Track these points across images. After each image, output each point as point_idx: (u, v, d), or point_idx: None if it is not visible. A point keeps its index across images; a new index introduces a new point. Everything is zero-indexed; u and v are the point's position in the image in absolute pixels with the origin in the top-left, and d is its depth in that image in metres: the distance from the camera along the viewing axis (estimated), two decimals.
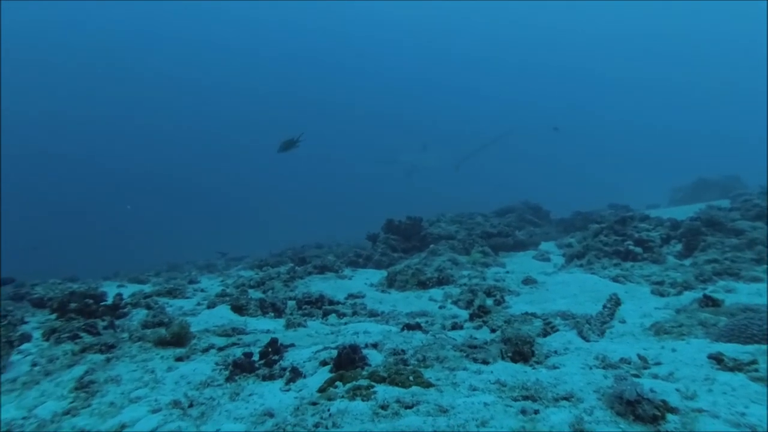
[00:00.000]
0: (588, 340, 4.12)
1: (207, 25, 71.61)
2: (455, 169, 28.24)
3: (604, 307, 4.77)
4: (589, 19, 78.67)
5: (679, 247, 8.44)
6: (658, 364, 3.45)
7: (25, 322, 5.70)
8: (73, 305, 5.62)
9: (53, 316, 5.77)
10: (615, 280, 6.87)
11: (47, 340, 4.95)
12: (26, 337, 4.91)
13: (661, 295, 5.98)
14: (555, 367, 3.51)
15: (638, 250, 8.06)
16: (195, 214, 46.78)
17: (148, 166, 56.01)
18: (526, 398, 2.96)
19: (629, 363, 3.47)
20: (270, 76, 73.65)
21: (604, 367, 3.42)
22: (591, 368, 3.44)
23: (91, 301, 5.73)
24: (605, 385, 3.04)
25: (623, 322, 4.74)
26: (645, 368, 3.39)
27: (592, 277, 7.05)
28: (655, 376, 3.22)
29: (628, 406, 2.62)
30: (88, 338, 4.83)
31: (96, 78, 63.09)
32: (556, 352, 3.88)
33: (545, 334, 4.34)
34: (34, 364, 4.28)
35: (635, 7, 73.95)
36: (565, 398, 2.95)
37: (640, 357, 3.53)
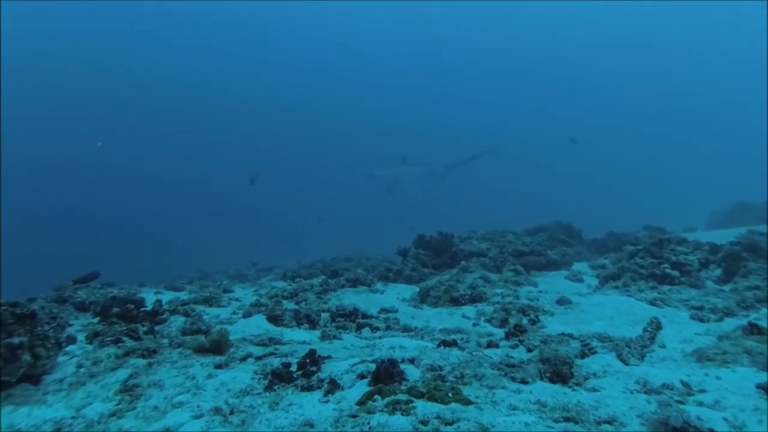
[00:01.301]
0: (628, 364, 4.06)
1: (222, 29, 72.59)
2: (441, 179, 27.44)
3: (645, 330, 4.69)
4: (602, 26, 77.58)
5: (718, 272, 8.24)
6: (702, 391, 3.39)
7: (70, 325, 5.87)
8: (115, 310, 5.77)
9: (96, 320, 5.93)
10: (652, 303, 6.73)
11: (91, 343, 5.09)
12: (71, 339, 5.07)
13: (701, 320, 5.85)
14: (595, 390, 3.47)
15: (675, 273, 7.90)
16: (220, 223, 47.43)
17: (176, 175, 57.05)
18: (567, 420, 2.94)
19: (672, 389, 3.42)
20: (287, 85, 73.87)
21: (646, 392, 3.37)
22: (632, 392, 3.40)
23: (132, 306, 5.88)
24: (649, 410, 3.00)
25: (663, 346, 4.65)
26: (689, 395, 3.33)
27: (629, 299, 6.93)
28: (701, 404, 3.16)
29: None
30: (129, 342, 4.95)
31: (118, 84, 64.38)
32: (595, 374, 3.83)
33: (583, 355, 4.29)
34: (80, 366, 4.40)
35: (651, 12, 72.71)
36: (608, 422, 2.92)
37: (683, 383, 3.47)
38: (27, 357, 3.83)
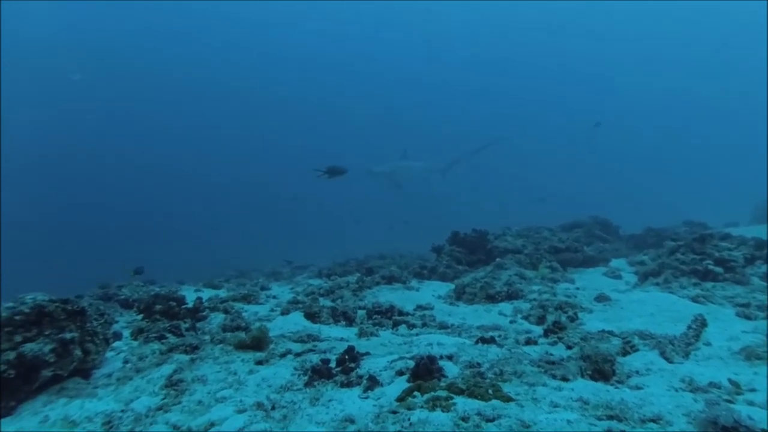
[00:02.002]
0: (672, 362, 3.97)
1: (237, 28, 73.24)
2: (442, 174, 26.60)
3: (689, 327, 4.58)
4: (631, 23, 75.76)
5: (764, 268, 7.97)
6: (752, 390, 3.29)
7: (116, 322, 6.07)
8: (158, 307, 5.94)
9: (140, 317, 6.12)
10: (695, 300, 6.56)
11: (136, 339, 5.26)
12: (118, 336, 5.24)
13: (748, 318, 5.67)
14: (638, 388, 3.41)
15: (719, 270, 7.67)
16: (254, 223, 48.14)
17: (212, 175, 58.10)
18: (610, 418, 2.89)
19: (719, 387, 3.33)
20: (303, 82, 73.80)
21: (692, 390, 3.29)
22: (678, 390, 3.33)
23: (174, 303, 6.04)
24: (696, 409, 2.94)
25: (708, 344, 4.53)
26: (738, 394, 3.24)
27: (670, 296, 6.77)
28: (751, 403, 3.07)
29: None
30: (173, 339, 5.10)
31: (143, 82, 65.42)
32: (637, 372, 3.76)
33: (625, 353, 4.22)
34: (126, 361, 4.56)
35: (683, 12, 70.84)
36: (653, 420, 2.87)
37: (731, 382, 3.38)
38: (78, 352, 3.98)
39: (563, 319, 5.44)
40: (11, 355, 3.54)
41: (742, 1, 62.42)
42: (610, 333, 4.85)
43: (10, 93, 51.62)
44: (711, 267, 7.72)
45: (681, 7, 68.45)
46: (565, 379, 3.50)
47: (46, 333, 3.81)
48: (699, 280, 7.57)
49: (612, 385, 3.49)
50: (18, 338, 3.65)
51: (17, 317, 3.68)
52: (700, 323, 4.64)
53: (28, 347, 3.63)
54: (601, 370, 3.61)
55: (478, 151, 27.25)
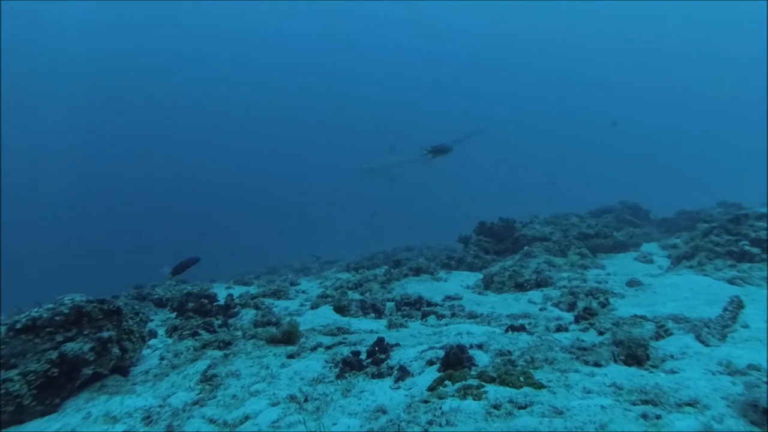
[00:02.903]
0: (708, 345, 3.88)
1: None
2: (429, 165, 26.72)
3: (725, 309, 4.47)
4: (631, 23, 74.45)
5: None
6: None
7: (150, 320, 6.22)
8: (190, 305, 6.07)
9: (173, 315, 6.26)
10: (731, 282, 6.39)
11: (170, 336, 5.39)
12: (153, 334, 5.38)
13: None
14: (674, 372, 3.35)
15: (756, 250, 7.45)
16: (283, 223, 48.69)
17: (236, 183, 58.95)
18: (645, 402, 2.86)
19: (759, 370, 3.25)
20: (302, 88, 74.25)
21: (730, 374, 3.22)
22: (714, 374, 3.26)
23: (206, 301, 6.16)
24: (734, 392, 2.87)
25: (746, 326, 4.42)
26: None
27: (705, 278, 6.61)
28: None
29: (765, 414, 2.47)
30: (206, 335, 5.20)
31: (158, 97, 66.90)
32: (672, 356, 3.69)
33: (658, 337, 4.14)
34: (162, 358, 4.67)
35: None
36: (689, 404, 2.82)
37: None
38: (116, 350, 4.10)
39: (594, 305, 5.37)
40: (54, 355, 3.67)
41: (742, 0, 60.68)
42: (643, 318, 4.76)
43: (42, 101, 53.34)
44: (747, 248, 7.51)
45: (681, 6, 66.95)
46: (597, 364, 3.47)
47: (85, 332, 3.94)
48: (735, 262, 7.37)
49: (646, 369, 3.44)
50: (59, 338, 3.78)
51: (57, 318, 3.81)
52: (737, 305, 4.53)
53: (69, 346, 3.75)
54: (634, 355, 3.56)
55: (461, 141, 27.61)
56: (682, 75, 71.69)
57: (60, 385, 3.70)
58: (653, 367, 3.49)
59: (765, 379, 3.04)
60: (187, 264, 7.24)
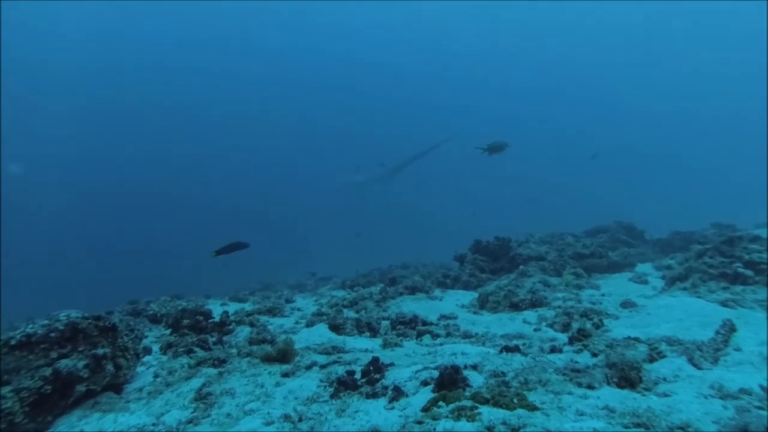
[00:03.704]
0: (700, 368, 3.91)
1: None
2: (391, 178, 27.99)
3: (717, 332, 4.51)
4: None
5: None
6: None
7: (145, 337, 6.20)
8: (185, 321, 6.06)
9: (168, 331, 6.24)
10: (724, 304, 6.43)
11: (165, 353, 5.37)
12: (147, 350, 5.36)
13: None
14: (666, 395, 3.38)
15: (749, 273, 7.50)
16: (279, 238, 48.66)
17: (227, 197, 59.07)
18: (637, 425, 2.88)
19: (750, 394, 3.27)
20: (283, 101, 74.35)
21: (722, 397, 3.25)
22: (707, 397, 3.28)
23: (201, 317, 6.15)
24: (726, 416, 2.90)
25: (738, 349, 4.45)
26: None
27: (699, 301, 6.65)
28: None
29: None
30: (200, 353, 5.19)
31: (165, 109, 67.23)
32: (665, 379, 3.72)
33: (651, 359, 4.17)
34: (156, 375, 4.66)
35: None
36: (681, 428, 2.84)
37: (762, 388, 3.32)
38: (110, 367, 4.09)
39: (588, 326, 5.40)
40: (47, 372, 3.66)
41: (742, 0, 61.68)
42: (637, 339, 4.79)
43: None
44: (741, 270, 7.56)
45: (682, 6, 67.90)
46: (590, 387, 3.49)
47: (80, 349, 3.93)
48: (728, 284, 7.41)
49: (639, 392, 3.46)
50: (53, 354, 3.77)
51: (52, 334, 3.81)
52: (729, 328, 4.56)
53: (63, 363, 3.74)
54: (627, 377, 3.59)
55: (423, 154, 28.70)
56: (677, 95, 72.44)
57: (53, 403, 3.68)
58: (646, 389, 3.52)
59: (756, 404, 3.07)
60: (234, 246, 7.12)
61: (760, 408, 3.02)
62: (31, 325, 3.88)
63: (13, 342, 3.70)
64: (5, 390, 3.48)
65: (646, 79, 74.62)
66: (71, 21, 59.42)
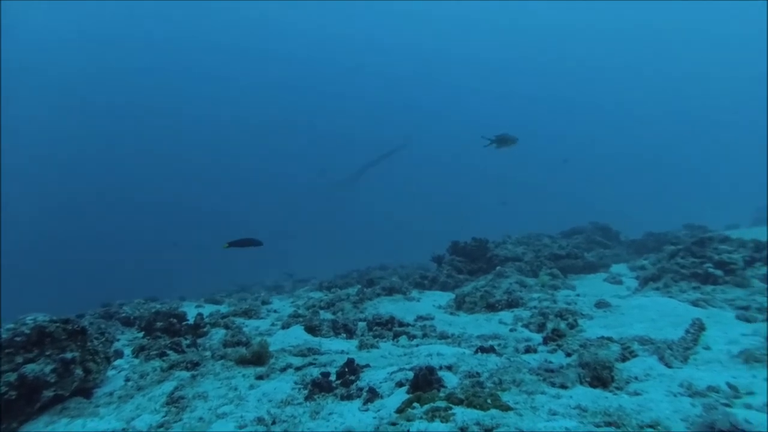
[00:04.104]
0: (671, 367, 3.97)
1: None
2: (353, 182, 30.07)
3: (687, 332, 4.59)
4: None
5: (764, 270, 7.95)
6: (750, 393, 3.30)
7: (117, 340, 6.09)
8: (159, 324, 5.96)
9: (141, 334, 6.13)
10: (695, 304, 6.55)
11: (137, 356, 5.28)
12: (119, 354, 5.26)
13: (748, 320, 5.65)
14: (637, 394, 3.42)
15: (719, 273, 7.67)
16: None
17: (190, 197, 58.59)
18: (608, 424, 2.91)
19: (718, 392, 3.34)
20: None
21: (690, 395, 3.30)
22: (676, 396, 3.34)
23: (174, 320, 6.06)
24: (693, 413, 2.95)
25: (708, 348, 4.53)
26: (736, 398, 3.25)
27: (671, 301, 6.76)
28: (749, 407, 3.08)
29: None
30: (174, 356, 5.11)
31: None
32: (636, 378, 3.77)
33: (624, 359, 4.22)
34: (128, 379, 4.57)
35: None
36: (651, 426, 2.88)
37: (729, 386, 3.39)
38: (79, 371, 4.00)
39: (563, 326, 5.44)
40: (12, 377, 3.56)
41: (742, 0, 63.00)
42: (610, 339, 4.85)
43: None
44: (711, 270, 7.72)
45: (682, 6, 69.02)
46: (563, 386, 3.52)
47: (47, 353, 3.84)
48: (699, 284, 7.56)
49: (611, 391, 3.50)
50: (19, 359, 3.67)
51: (18, 338, 3.71)
52: (698, 327, 4.65)
53: (30, 368, 3.65)
54: (599, 376, 3.63)
55: (381, 159, 30.39)
56: (657, 97, 73.49)
57: (18, 409, 3.59)
58: (618, 389, 3.56)
59: (723, 401, 3.12)
60: (247, 242, 7.03)
61: (726, 405, 3.08)
62: None
63: None
64: None
65: (626, 81, 75.78)
66: (62, 22, 58.40)
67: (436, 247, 11.93)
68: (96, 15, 60.06)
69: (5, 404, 3.48)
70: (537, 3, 72.71)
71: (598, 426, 2.89)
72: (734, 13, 65.77)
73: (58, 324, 3.98)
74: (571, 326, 5.74)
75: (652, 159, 68.02)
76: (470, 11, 75.58)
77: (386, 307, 7.63)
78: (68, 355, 3.91)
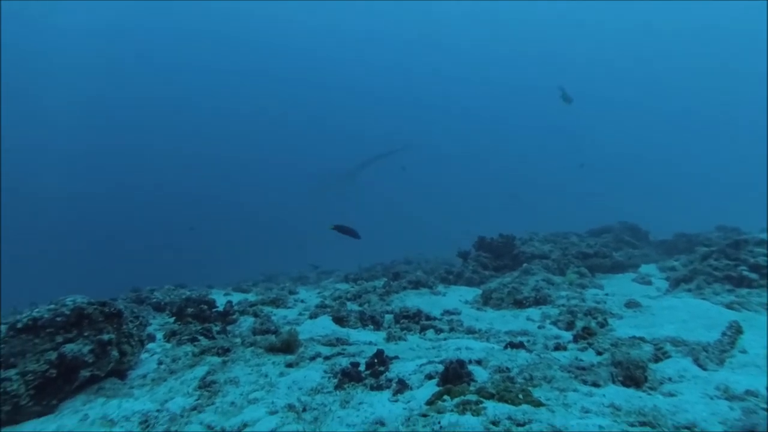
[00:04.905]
0: (706, 369, 3.90)
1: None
2: (351, 179, 30.66)
3: (724, 334, 4.49)
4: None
5: None
6: None
7: (149, 324, 6.21)
8: (189, 310, 6.06)
9: (172, 320, 6.25)
10: (729, 307, 6.41)
11: (169, 341, 5.37)
12: (151, 338, 5.36)
13: None
14: (671, 395, 3.37)
15: (754, 276, 7.48)
16: (280, 231, 48.81)
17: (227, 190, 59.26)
18: (643, 424, 2.87)
19: (756, 396, 3.26)
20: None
21: (728, 398, 3.24)
22: (712, 398, 3.27)
23: (205, 307, 6.16)
24: (732, 417, 2.89)
25: (744, 352, 4.43)
26: None
27: (703, 302, 6.63)
28: None
29: None
30: (204, 341, 5.19)
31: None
32: (670, 379, 3.71)
33: (656, 359, 4.16)
34: (160, 363, 4.66)
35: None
36: (687, 428, 2.83)
37: None
38: (115, 353, 4.09)
39: (593, 324, 5.38)
40: (53, 356, 3.66)
41: (743, 0, 61.28)
42: (641, 339, 4.78)
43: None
44: (746, 273, 7.54)
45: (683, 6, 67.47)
46: (596, 384, 3.48)
47: (85, 334, 3.93)
48: (733, 287, 7.40)
49: (644, 391, 3.45)
50: (59, 339, 3.77)
51: (58, 319, 3.81)
52: (735, 330, 4.55)
53: (69, 348, 3.75)
54: (632, 376, 3.58)
55: (380, 157, 30.96)
56: (684, 96, 71.89)
57: (57, 387, 3.69)
58: (651, 389, 3.51)
59: (763, 406, 3.05)
60: (348, 230, 7.29)
61: (766, 410, 3.01)
62: (37, 309, 3.88)
63: (19, 325, 3.71)
64: (11, 372, 3.48)
65: (652, 78, 74.14)
66: (74, 14, 59.37)
67: (458, 244, 11.89)
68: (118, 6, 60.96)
69: (46, 382, 3.58)
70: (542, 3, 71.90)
71: (632, 425, 2.85)
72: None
73: (95, 306, 4.07)
74: (601, 325, 5.67)
75: (682, 160, 66.71)
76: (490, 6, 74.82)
77: (412, 300, 7.64)
78: (105, 337, 4.00)
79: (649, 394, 3.38)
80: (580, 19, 73.26)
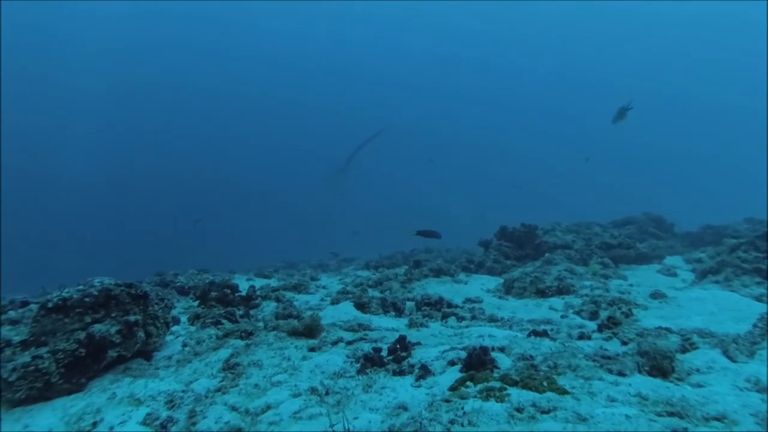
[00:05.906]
0: (735, 361, 3.81)
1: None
2: (343, 172, 31.07)
3: (755, 326, 4.39)
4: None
5: None
6: None
7: (174, 307, 6.29)
8: (213, 294, 6.13)
9: (196, 303, 6.33)
10: (758, 299, 6.28)
11: (193, 324, 5.44)
12: (176, 320, 5.44)
13: None
14: (700, 386, 3.30)
15: None
16: (301, 220, 49.18)
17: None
18: (671, 414, 2.82)
19: None
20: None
21: (759, 391, 3.16)
22: (743, 390, 3.20)
23: (228, 291, 6.22)
24: (764, 409, 2.82)
25: None
26: None
27: (732, 294, 6.50)
28: None
29: None
30: (228, 325, 5.25)
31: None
32: (698, 370, 3.64)
33: (684, 350, 4.08)
34: (185, 345, 4.72)
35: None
36: (717, 419, 2.78)
37: None
38: (141, 334, 4.15)
39: (618, 314, 5.31)
40: (81, 335, 3.74)
41: (743, 0, 59.43)
42: (668, 330, 4.70)
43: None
44: None
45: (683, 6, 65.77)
46: (621, 374, 3.43)
47: (113, 315, 4.00)
48: (762, 279, 7.23)
49: (671, 382, 3.39)
50: (88, 319, 3.84)
51: (87, 299, 3.88)
52: (767, 322, 4.44)
53: (97, 328, 3.82)
54: (659, 366, 3.52)
55: (362, 146, 31.31)
56: (713, 90, 70.35)
57: (86, 366, 3.76)
58: (678, 379, 3.45)
59: None
60: (430, 233, 7.45)
61: None
62: (66, 290, 3.96)
63: (50, 305, 3.79)
64: (42, 351, 3.56)
65: (683, 69, 72.53)
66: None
67: (480, 234, 11.81)
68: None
69: (75, 360, 3.65)
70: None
71: (659, 415, 2.80)
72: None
73: (122, 288, 4.14)
74: (626, 315, 5.59)
75: (706, 151, 65.41)
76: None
77: (434, 288, 7.63)
78: (132, 318, 4.07)
79: (677, 385, 3.32)
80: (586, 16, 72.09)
